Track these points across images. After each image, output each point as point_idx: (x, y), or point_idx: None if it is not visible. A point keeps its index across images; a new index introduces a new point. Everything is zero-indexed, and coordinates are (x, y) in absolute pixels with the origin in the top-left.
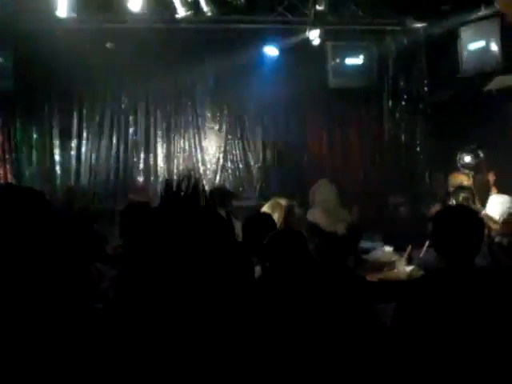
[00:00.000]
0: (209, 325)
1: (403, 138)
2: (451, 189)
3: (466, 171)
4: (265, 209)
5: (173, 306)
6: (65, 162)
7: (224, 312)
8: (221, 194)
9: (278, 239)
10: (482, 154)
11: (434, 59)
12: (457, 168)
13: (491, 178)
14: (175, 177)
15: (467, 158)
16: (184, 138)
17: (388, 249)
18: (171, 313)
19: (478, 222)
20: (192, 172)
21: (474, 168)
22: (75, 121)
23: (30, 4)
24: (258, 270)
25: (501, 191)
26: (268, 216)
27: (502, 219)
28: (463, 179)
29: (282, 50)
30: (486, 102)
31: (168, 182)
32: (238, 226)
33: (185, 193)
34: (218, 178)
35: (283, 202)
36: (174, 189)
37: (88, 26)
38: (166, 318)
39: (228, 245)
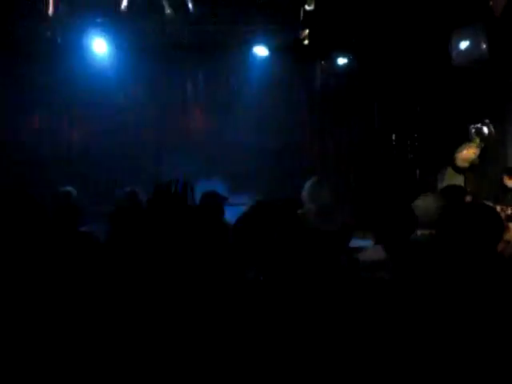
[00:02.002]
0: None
1: (394, 137)
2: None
3: (475, 143)
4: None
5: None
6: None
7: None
8: (212, 199)
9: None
10: (492, 128)
11: (423, 58)
12: (450, 165)
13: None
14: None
15: (479, 126)
16: (175, 141)
17: (379, 247)
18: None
19: (493, 219)
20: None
21: (485, 139)
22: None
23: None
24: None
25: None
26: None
27: None
28: (461, 173)
29: (272, 50)
30: (477, 99)
31: (158, 185)
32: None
33: (173, 195)
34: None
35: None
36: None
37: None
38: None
39: (215, 244)
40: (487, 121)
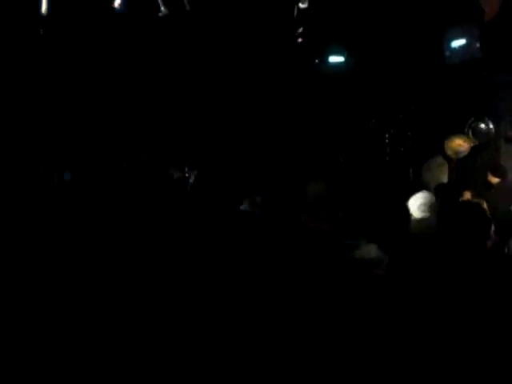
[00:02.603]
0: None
1: (387, 135)
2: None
3: (466, 137)
4: (246, 207)
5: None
6: None
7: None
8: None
9: None
10: (491, 125)
11: (417, 56)
12: (439, 154)
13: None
14: None
15: (479, 125)
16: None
17: (373, 246)
18: None
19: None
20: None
21: (481, 136)
22: None
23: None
24: None
25: None
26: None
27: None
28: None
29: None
30: (470, 97)
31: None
32: None
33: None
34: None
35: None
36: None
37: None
38: None
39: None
40: (486, 118)
